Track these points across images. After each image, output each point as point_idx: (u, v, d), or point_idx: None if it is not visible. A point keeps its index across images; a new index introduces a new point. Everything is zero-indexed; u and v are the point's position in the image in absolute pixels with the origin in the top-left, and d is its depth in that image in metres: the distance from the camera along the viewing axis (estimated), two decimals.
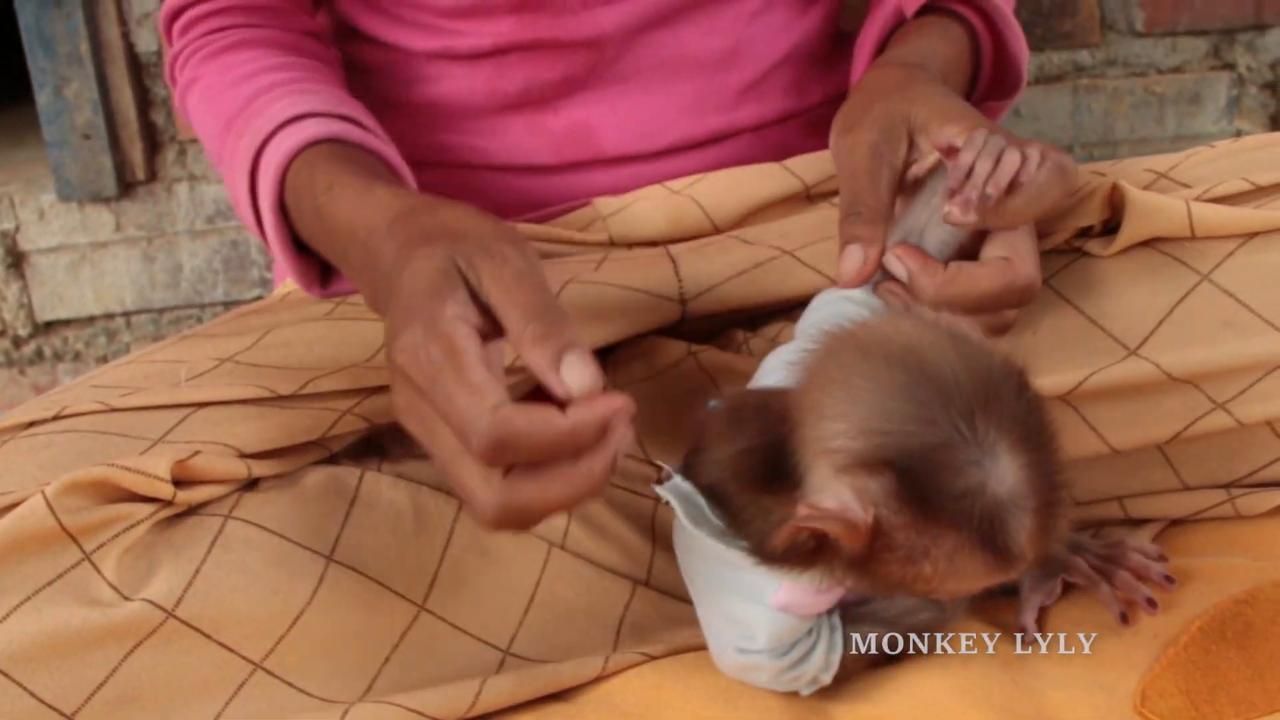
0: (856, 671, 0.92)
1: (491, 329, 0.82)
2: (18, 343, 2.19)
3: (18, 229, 2.14)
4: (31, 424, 0.99)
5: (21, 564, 0.88)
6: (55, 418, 0.99)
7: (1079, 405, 1.04)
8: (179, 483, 0.92)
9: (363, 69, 1.29)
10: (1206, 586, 0.97)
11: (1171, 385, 1.03)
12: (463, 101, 1.25)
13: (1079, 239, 1.08)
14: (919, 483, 0.76)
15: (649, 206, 1.21)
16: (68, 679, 0.88)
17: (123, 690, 0.89)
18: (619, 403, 0.77)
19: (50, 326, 2.20)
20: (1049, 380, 1.02)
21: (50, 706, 0.87)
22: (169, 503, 0.92)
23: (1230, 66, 2.06)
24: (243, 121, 1.11)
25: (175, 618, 0.89)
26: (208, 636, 0.90)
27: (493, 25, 1.20)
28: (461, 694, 0.92)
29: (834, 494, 0.78)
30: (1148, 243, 1.05)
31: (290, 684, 0.92)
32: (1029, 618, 0.97)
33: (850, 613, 0.92)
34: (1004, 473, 0.76)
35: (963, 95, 1.15)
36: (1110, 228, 1.07)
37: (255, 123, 1.09)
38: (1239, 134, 2.03)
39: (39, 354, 2.19)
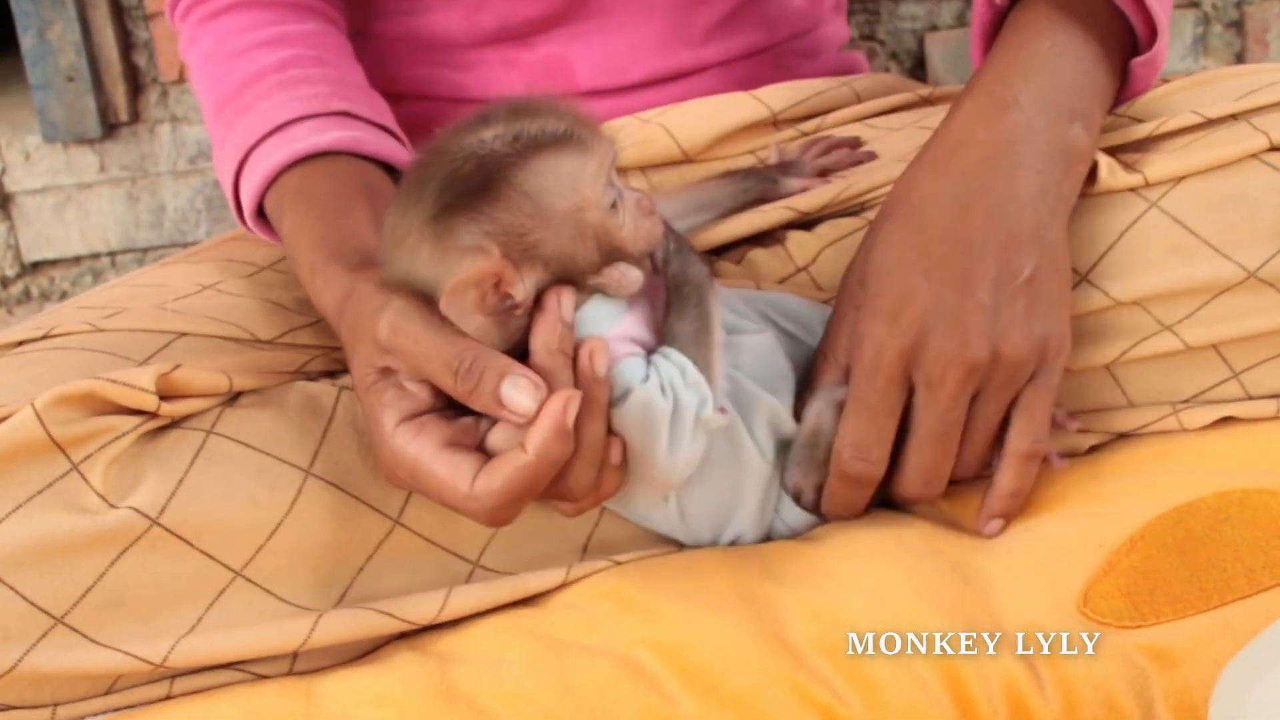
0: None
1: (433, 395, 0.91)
2: (5, 283, 2.21)
3: (4, 171, 2.16)
4: (21, 343, 1.02)
5: (12, 473, 0.91)
6: (44, 337, 1.02)
7: None
8: (163, 397, 0.95)
9: None
10: (1150, 497, 0.99)
11: (1119, 308, 1.05)
12: (440, 35, 1.27)
13: None
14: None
15: (626, 142, 1.23)
16: (57, 583, 0.90)
17: (109, 594, 0.91)
18: (558, 404, 0.85)
19: (37, 267, 2.22)
20: None
21: (40, 608, 0.90)
22: (154, 415, 0.94)
23: (1195, 4, 2.06)
24: (232, 112, 1.15)
25: (159, 525, 0.92)
26: (190, 544, 0.93)
27: None
28: (430, 600, 0.96)
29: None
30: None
31: (268, 591, 0.95)
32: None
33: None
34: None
35: (1085, 65, 1.04)
36: None
37: (244, 120, 1.13)
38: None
39: (26, 294, 2.21)
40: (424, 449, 0.88)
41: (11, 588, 0.90)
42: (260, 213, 1.12)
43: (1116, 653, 0.87)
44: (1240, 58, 2.05)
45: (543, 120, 0.88)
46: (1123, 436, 1.09)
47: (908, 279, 0.95)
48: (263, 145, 1.10)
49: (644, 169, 1.23)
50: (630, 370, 0.89)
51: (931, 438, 0.95)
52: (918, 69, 2.19)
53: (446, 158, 0.88)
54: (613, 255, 0.90)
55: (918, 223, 0.98)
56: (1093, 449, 1.09)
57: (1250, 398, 1.07)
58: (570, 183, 0.88)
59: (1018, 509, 0.99)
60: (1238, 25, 2.05)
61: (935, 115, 1.23)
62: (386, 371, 0.91)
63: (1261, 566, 0.90)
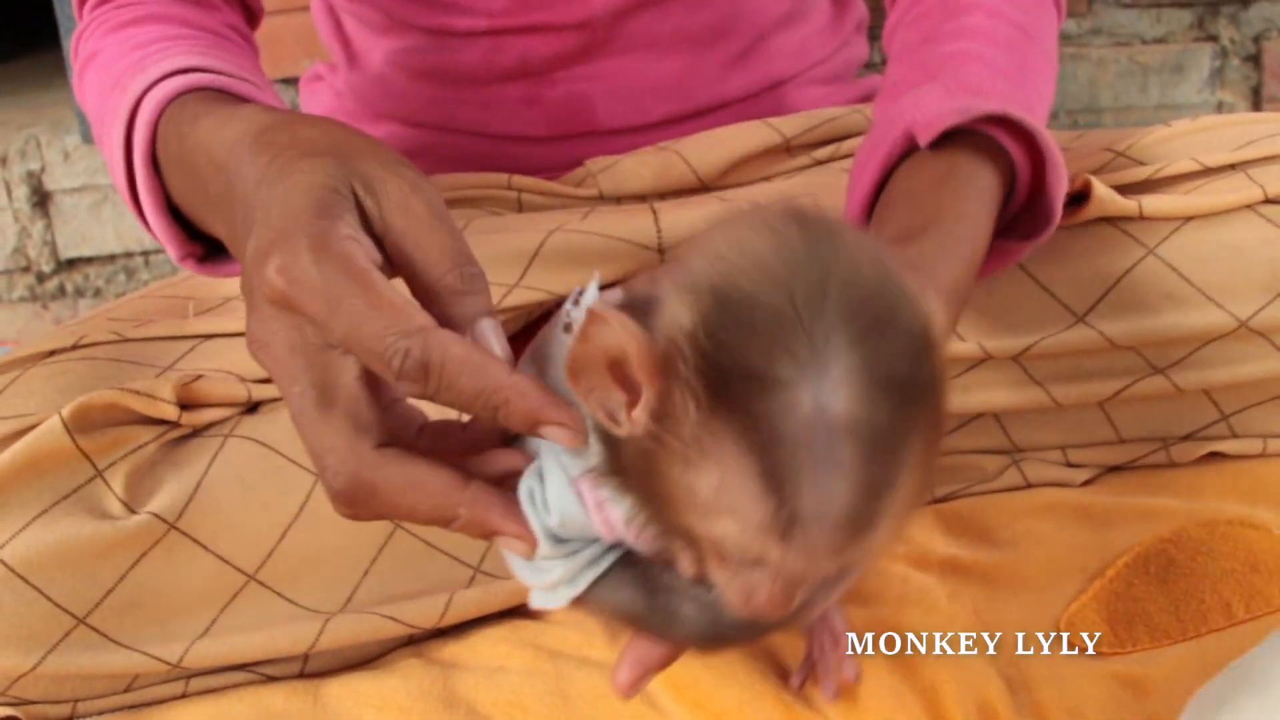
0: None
1: (385, 267, 0.72)
2: (41, 278, 2.24)
3: (44, 169, 2.18)
4: (52, 352, 1.05)
5: (39, 479, 0.94)
6: (73, 347, 1.05)
7: (1027, 364, 1.09)
8: (184, 406, 0.98)
9: (367, 27, 1.31)
10: (1136, 525, 1.04)
11: (1114, 350, 1.08)
12: (461, 71, 1.28)
13: None
14: (728, 338, 0.58)
15: (636, 162, 1.26)
16: (79, 584, 0.94)
17: (129, 596, 0.95)
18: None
19: (72, 264, 2.24)
20: (1001, 343, 1.08)
21: (63, 609, 0.93)
22: (175, 424, 0.98)
23: (1214, 38, 2.06)
24: (128, 78, 1.00)
25: (176, 529, 0.95)
26: (205, 548, 0.96)
27: (486, 7, 1.23)
28: (433, 605, 0.99)
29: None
30: (1100, 217, 1.09)
31: (279, 594, 0.98)
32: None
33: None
34: (836, 382, 0.56)
35: (975, 267, 0.90)
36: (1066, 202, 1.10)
37: (138, 78, 0.98)
38: (1220, 105, 2.03)
39: (61, 290, 2.23)
40: (374, 269, 0.70)
41: (37, 589, 0.93)
42: (152, 162, 0.95)
43: (1093, 677, 0.90)
44: (1257, 92, 2.06)
45: None
46: (1113, 469, 1.13)
47: None
48: (160, 84, 0.95)
49: (662, 195, 1.26)
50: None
51: None
52: None
53: None
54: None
55: None
56: (1085, 482, 1.12)
57: (1237, 437, 1.10)
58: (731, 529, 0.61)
59: None
60: (1255, 60, 2.06)
61: None
62: (349, 197, 0.73)
63: (1237, 600, 0.94)
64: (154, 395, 0.97)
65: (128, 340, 1.05)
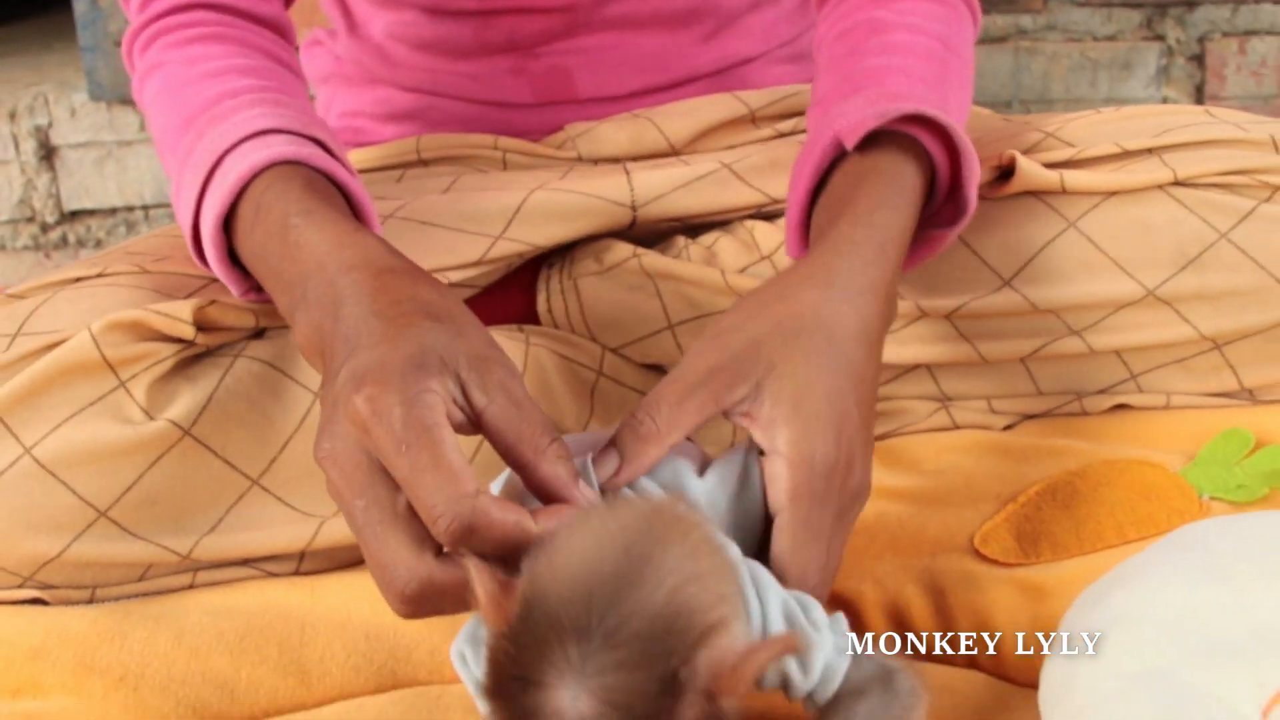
0: None
1: (468, 424, 0.82)
2: (45, 228, 2.30)
3: (50, 125, 2.25)
4: (78, 279, 1.15)
5: (69, 387, 1.03)
6: (98, 275, 1.15)
7: (958, 322, 1.20)
8: (200, 328, 1.07)
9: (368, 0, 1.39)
10: (1048, 462, 1.14)
11: (1036, 313, 1.18)
12: (453, 44, 1.37)
13: None
14: (517, 640, 0.71)
15: (612, 128, 1.35)
16: (102, 481, 1.03)
17: (145, 494, 1.04)
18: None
19: (75, 215, 2.31)
20: (935, 302, 1.19)
21: (87, 503, 1.03)
22: (191, 343, 1.07)
23: (1161, 38, 2.13)
24: (205, 121, 1.09)
25: (190, 436, 1.04)
26: (215, 453, 1.05)
27: None
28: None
29: None
30: (1028, 191, 1.19)
31: (279, 498, 1.08)
32: None
33: None
34: (574, 700, 0.69)
35: (898, 244, 1.01)
36: (998, 177, 1.20)
37: (220, 126, 1.07)
38: (1165, 100, 2.09)
39: (64, 240, 2.30)
40: (448, 429, 0.79)
41: (65, 484, 1.02)
42: (224, 228, 1.05)
43: (998, 584, 1.01)
44: (1200, 89, 2.13)
45: None
46: (1032, 417, 1.24)
47: (836, 408, 0.89)
48: (240, 149, 1.05)
49: (636, 159, 1.35)
50: None
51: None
52: None
53: None
54: None
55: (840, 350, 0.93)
56: (1006, 427, 1.24)
57: (1143, 393, 1.21)
58: None
59: None
60: (1199, 59, 2.15)
61: None
62: (451, 369, 0.82)
63: (1129, 523, 1.05)
64: (174, 316, 1.06)
65: (148, 272, 1.15)
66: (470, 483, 0.77)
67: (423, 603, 0.79)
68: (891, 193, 1.03)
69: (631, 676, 0.69)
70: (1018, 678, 0.96)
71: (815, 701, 0.79)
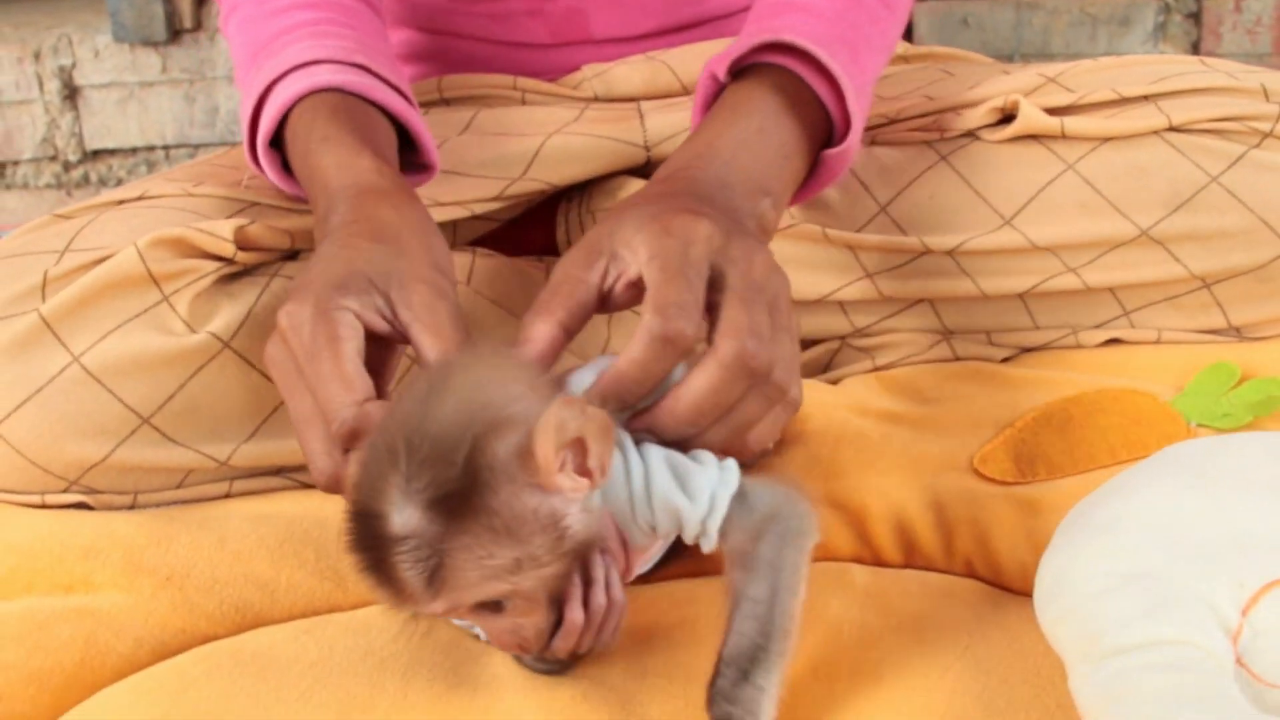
0: None
1: (397, 335, 0.93)
2: (67, 167, 2.34)
3: (74, 65, 2.28)
4: (122, 202, 1.19)
5: (116, 300, 1.08)
6: (139, 198, 1.20)
7: (960, 259, 1.25)
8: (240, 247, 1.11)
9: None
10: (1044, 390, 1.19)
11: (1034, 251, 1.23)
12: None
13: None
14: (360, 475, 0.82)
15: (628, 69, 1.40)
16: (146, 390, 1.08)
17: (186, 402, 1.09)
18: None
19: (97, 155, 2.35)
20: (938, 239, 1.24)
21: (131, 409, 1.08)
22: (231, 261, 1.12)
23: None
24: (264, 56, 1.18)
25: (230, 348, 1.09)
26: (252, 365, 1.09)
27: None
28: None
29: None
30: (1029, 135, 1.24)
31: None
32: None
33: None
34: (397, 507, 0.79)
35: (787, 151, 1.08)
36: (1000, 120, 1.26)
37: (271, 61, 1.16)
38: None
39: (85, 178, 2.34)
40: (348, 339, 0.90)
41: (110, 391, 1.08)
42: (274, 144, 1.15)
43: (996, 500, 1.06)
44: (1196, 47, 2.17)
45: None
46: (1028, 350, 1.30)
47: (684, 203, 0.96)
48: (286, 78, 1.14)
49: (650, 99, 1.40)
50: None
51: (749, 296, 0.91)
52: (904, 37, 2.33)
53: None
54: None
55: (657, 197, 0.98)
56: (1005, 360, 1.29)
57: (1135, 329, 1.27)
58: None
59: None
60: (1195, 17, 2.18)
61: (910, 74, 1.42)
62: (381, 288, 0.94)
63: (1121, 445, 1.10)
64: (216, 234, 1.11)
65: (190, 195, 1.20)
66: (360, 391, 0.88)
67: (331, 489, 0.90)
68: (754, 115, 1.08)
69: (436, 473, 0.78)
70: (1013, 586, 1.01)
71: (710, 537, 0.86)
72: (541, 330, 0.91)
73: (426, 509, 0.79)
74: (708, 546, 0.86)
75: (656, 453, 0.87)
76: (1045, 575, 0.89)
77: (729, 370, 0.88)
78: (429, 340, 0.91)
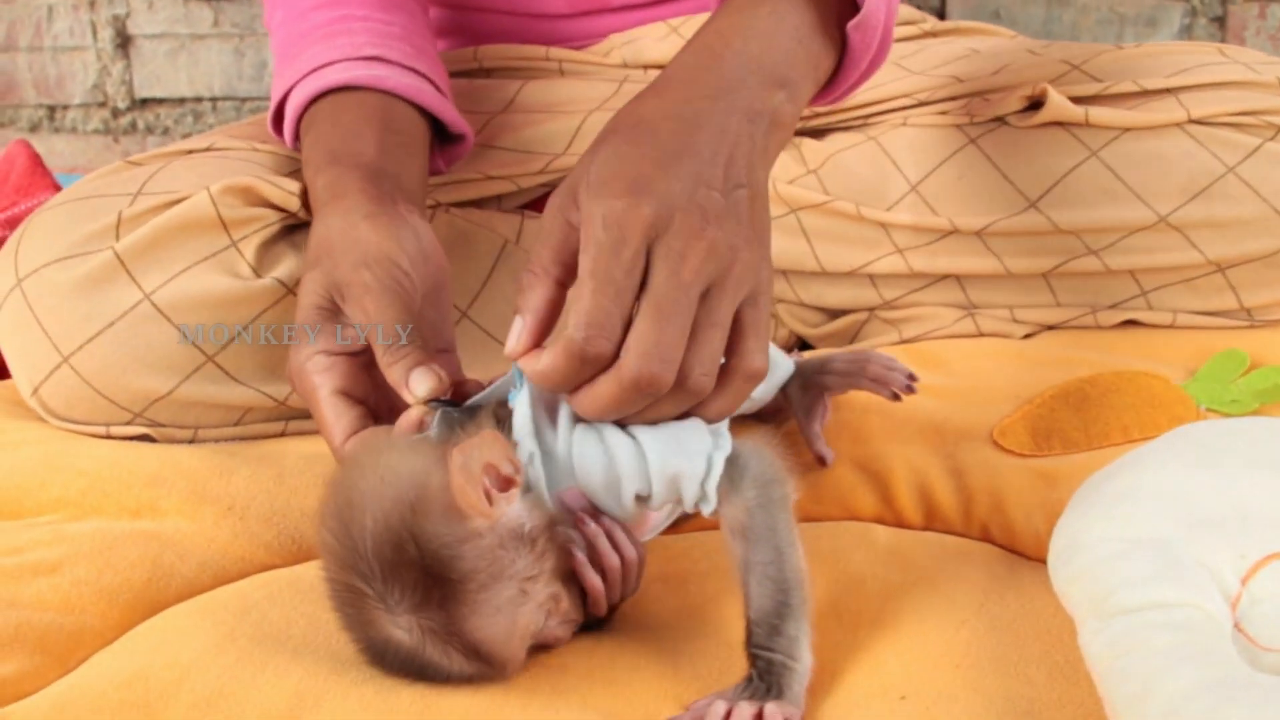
0: None
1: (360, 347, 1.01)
2: (116, 114, 2.39)
3: (128, 15, 2.33)
4: (190, 152, 1.25)
5: (187, 241, 1.14)
6: (207, 149, 1.25)
7: (986, 239, 1.30)
8: (303, 203, 1.17)
9: None
10: (1062, 369, 1.24)
11: (1058, 233, 1.29)
12: None
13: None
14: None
15: (653, 39, 1.45)
16: (211, 328, 1.13)
17: (249, 343, 1.14)
18: (413, 416, 0.93)
19: (145, 103, 2.39)
20: (967, 219, 1.30)
21: (196, 346, 1.13)
22: (294, 214, 1.17)
23: None
24: (283, 63, 1.26)
25: (292, 294, 1.14)
26: None
27: None
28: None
29: None
30: (1055, 121, 1.29)
31: None
32: (820, 446, 1.13)
33: None
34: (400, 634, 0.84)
35: (802, 34, 1.01)
36: (1028, 107, 1.31)
37: (290, 67, 1.24)
38: None
39: (134, 125, 2.39)
40: (322, 385, 0.99)
41: (178, 328, 1.13)
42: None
43: (1013, 470, 1.11)
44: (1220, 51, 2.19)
45: None
46: (1049, 328, 1.35)
47: (639, 169, 0.88)
48: (298, 86, 1.22)
49: None
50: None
51: (667, 308, 0.85)
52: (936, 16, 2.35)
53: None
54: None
55: (644, 134, 0.92)
56: (1026, 336, 1.34)
57: (1152, 310, 1.32)
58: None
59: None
60: (1220, 21, 2.21)
61: (937, 49, 1.46)
62: (331, 306, 1.01)
63: (1134, 424, 1.15)
64: (284, 188, 1.17)
65: (256, 149, 1.26)
66: (338, 437, 0.98)
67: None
68: (751, 2, 1.01)
69: (402, 582, 0.83)
70: (1026, 551, 1.06)
71: (709, 500, 0.89)
72: (537, 299, 0.89)
73: (418, 612, 0.83)
74: (707, 509, 0.90)
75: (644, 428, 0.90)
76: (1060, 539, 0.94)
77: (628, 389, 0.85)
78: (374, 338, 0.98)
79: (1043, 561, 0.98)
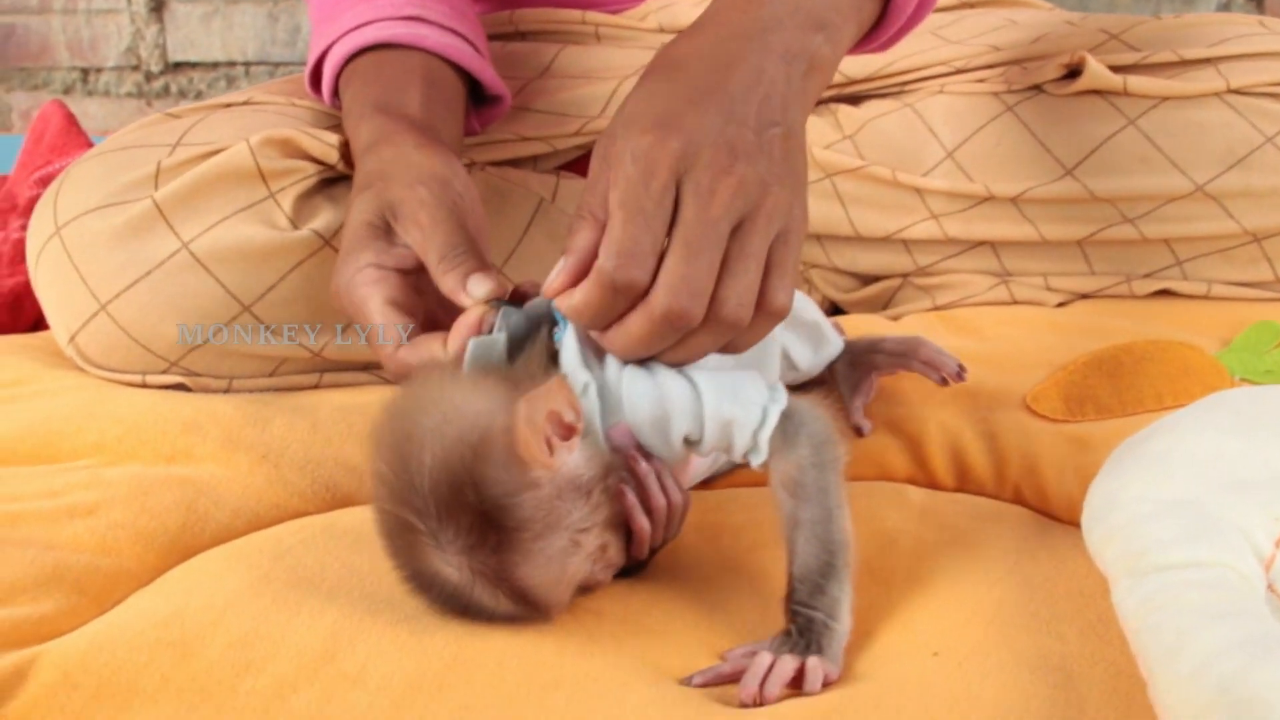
0: None
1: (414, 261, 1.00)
2: (149, 77, 2.39)
3: None
4: (229, 105, 1.26)
5: (226, 191, 1.14)
6: (245, 103, 1.26)
7: (1022, 206, 1.31)
8: (342, 157, 1.18)
9: None
10: (1096, 338, 1.24)
11: (1094, 201, 1.29)
12: None
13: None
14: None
15: (690, 4, 1.45)
16: (248, 279, 1.14)
17: (286, 293, 1.15)
18: (473, 316, 0.93)
19: (179, 67, 2.40)
20: (1003, 186, 1.30)
21: (234, 296, 1.14)
22: (332, 166, 1.18)
23: None
24: (324, 22, 1.25)
25: (330, 246, 1.15)
26: None
27: None
28: None
29: None
30: (1093, 90, 1.29)
31: None
32: (859, 418, 1.13)
33: None
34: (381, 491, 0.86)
35: (860, 14, 1.01)
36: (1065, 74, 1.31)
37: (329, 26, 1.24)
38: None
39: (166, 89, 2.39)
40: (373, 296, 0.99)
41: (216, 278, 1.13)
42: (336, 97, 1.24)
43: (1046, 434, 1.11)
44: None
45: None
46: (1084, 296, 1.35)
47: (670, 105, 0.89)
48: (338, 43, 1.22)
49: None
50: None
51: (695, 241, 0.85)
52: None
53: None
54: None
55: (677, 73, 0.92)
56: (1059, 304, 1.35)
57: (1187, 280, 1.32)
58: None
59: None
60: (1258, 1, 2.22)
61: (974, 19, 1.46)
62: (382, 225, 1.01)
63: (1167, 392, 1.15)
64: (324, 140, 1.17)
65: (294, 104, 1.26)
66: (390, 345, 0.96)
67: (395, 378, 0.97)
68: None
69: (458, 524, 0.83)
70: (1058, 514, 1.07)
71: (760, 450, 0.90)
72: (582, 240, 0.88)
73: (470, 554, 0.83)
74: (757, 460, 0.90)
75: (701, 372, 0.91)
76: (1095, 498, 0.94)
77: (658, 324, 0.86)
78: (429, 250, 0.98)
79: (1075, 525, 0.98)
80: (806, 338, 1.10)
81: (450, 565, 0.84)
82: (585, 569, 0.87)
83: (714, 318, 0.87)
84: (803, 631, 0.86)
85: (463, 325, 0.93)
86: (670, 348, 0.88)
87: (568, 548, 0.85)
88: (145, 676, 0.84)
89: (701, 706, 0.82)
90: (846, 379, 1.15)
